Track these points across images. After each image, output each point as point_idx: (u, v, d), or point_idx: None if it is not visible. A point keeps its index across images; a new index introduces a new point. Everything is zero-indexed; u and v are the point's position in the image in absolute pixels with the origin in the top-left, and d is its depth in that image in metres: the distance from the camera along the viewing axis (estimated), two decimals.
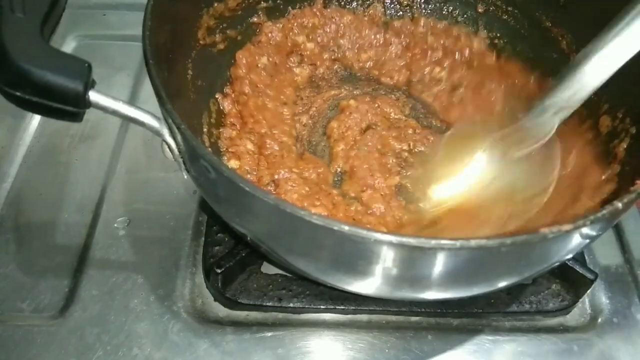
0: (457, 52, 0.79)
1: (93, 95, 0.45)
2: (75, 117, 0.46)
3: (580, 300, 0.66)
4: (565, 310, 0.65)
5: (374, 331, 0.63)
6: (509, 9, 0.79)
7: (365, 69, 0.82)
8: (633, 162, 0.57)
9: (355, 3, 0.83)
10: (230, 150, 0.69)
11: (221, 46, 0.71)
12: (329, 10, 0.81)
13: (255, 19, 0.75)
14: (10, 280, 0.65)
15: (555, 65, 0.73)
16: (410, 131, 0.74)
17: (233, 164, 0.67)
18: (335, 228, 0.40)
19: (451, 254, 0.42)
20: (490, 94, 0.75)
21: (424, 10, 0.84)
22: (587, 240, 0.48)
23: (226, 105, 0.71)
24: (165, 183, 0.75)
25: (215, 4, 0.68)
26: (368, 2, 0.83)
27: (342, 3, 0.83)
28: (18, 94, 0.43)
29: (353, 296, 0.63)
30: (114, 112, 0.47)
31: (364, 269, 0.47)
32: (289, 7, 0.79)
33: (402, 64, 0.82)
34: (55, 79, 0.43)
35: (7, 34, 0.44)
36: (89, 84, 0.45)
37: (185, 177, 0.53)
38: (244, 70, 0.73)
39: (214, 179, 0.46)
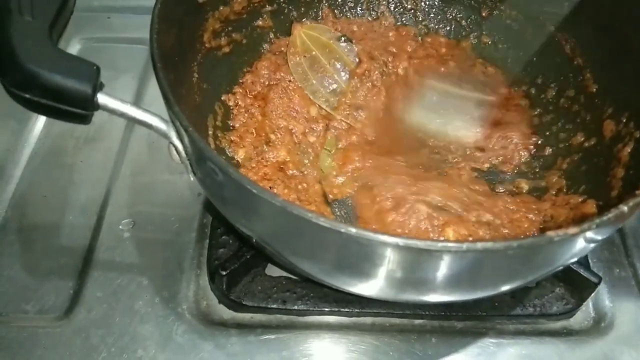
0: None
1: (101, 98, 0.45)
2: (84, 119, 0.46)
3: (584, 303, 0.66)
4: (569, 313, 0.65)
5: (378, 334, 0.63)
6: (513, 13, 0.79)
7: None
8: (637, 166, 0.58)
9: (359, 9, 0.84)
10: (235, 138, 0.70)
11: (226, 49, 0.71)
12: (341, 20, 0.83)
13: (260, 22, 0.76)
14: (15, 281, 0.66)
15: (558, 70, 0.74)
16: None
17: (241, 153, 0.69)
18: (342, 230, 0.40)
19: (457, 256, 0.42)
20: None
21: (427, 14, 0.84)
22: (592, 244, 0.48)
23: (239, 101, 0.73)
24: (169, 185, 0.75)
25: (221, 8, 0.68)
26: (375, 9, 0.84)
27: (348, 13, 0.83)
28: (27, 96, 0.44)
29: (357, 299, 0.63)
30: (122, 115, 0.47)
31: (369, 271, 0.47)
32: (294, 12, 0.79)
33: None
34: (64, 82, 0.43)
35: (16, 36, 0.44)
36: (98, 87, 0.45)
37: (192, 179, 0.53)
38: (265, 77, 0.75)
39: (221, 180, 0.46)
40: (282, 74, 0.76)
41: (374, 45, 0.79)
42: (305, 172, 0.69)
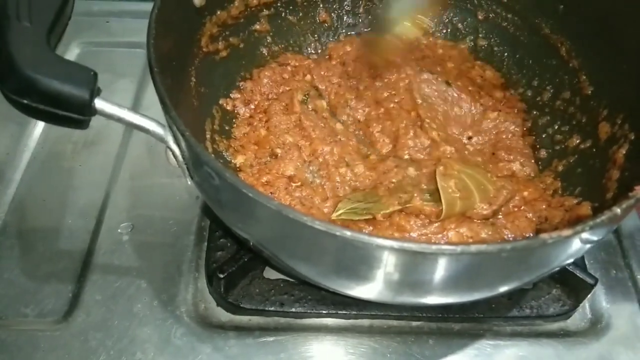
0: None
1: (99, 103, 0.46)
2: (81, 124, 0.46)
3: (581, 305, 0.66)
4: (565, 315, 0.65)
5: (376, 336, 0.64)
6: (509, 16, 0.79)
7: None
8: (632, 167, 0.58)
9: (357, 12, 0.84)
10: (235, 146, 0.70)
11: (224, 54, 0.72)
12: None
13: (258, 27, 0.76)
14: (15, 285, 0.66)
15: (554, 72, 0.74)
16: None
17: (240, 159, 0.69)
18: (338, 234, 0.41)
19: (452, 259, 0.43)
20: None
21: (424, 18, 0.85)
22: (587, 246, 0.48)
23: (237, 107, 0.73)
24: (168, 189, 0.75)
25: (218, 12, 0.68)
26: (372, 12, 0.84)
27: (345, 16, 0.84)
28: (25, 101, 0.44)
29: (355, 301, 0.63)
30: (119, 120, 0.47)
31: (366, 274, 0.48)
32: (291, 16, 0.79)
33: None
34: (62, 87, 0.44)
35: (14, 42, 0.45)
36: (95, 92, 0.45)
37: (189, 183, 0.54)
38: (266, 87, 0.75)
39: (217, 185, 0.46)
40: (286, 89, 0.75)
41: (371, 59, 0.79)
42: (314, 187, 0.67)
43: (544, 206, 0.65)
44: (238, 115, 0.73)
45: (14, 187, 0.75)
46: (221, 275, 0.62)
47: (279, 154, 0.69)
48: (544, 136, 0.73)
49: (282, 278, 0.66)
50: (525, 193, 0.66)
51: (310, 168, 0.69)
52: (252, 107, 0.74)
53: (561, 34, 0.73)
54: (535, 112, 0.76)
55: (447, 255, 0.42)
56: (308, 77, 0.78)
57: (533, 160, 0.71)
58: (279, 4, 0.77)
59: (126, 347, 0.62)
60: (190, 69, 0.65)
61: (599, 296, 0.68)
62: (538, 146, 0.73)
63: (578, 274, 0.64)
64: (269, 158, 0.69)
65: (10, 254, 0.69)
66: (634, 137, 0.59)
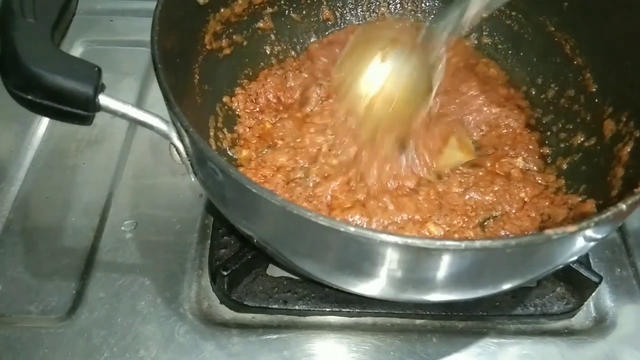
0: None
1: (103, 99, 0.46)
2: (85, 120, 0.46)
3: (585, 303, 0.65)
4: (570, 313, 0.65)
5: (379, 334, 0.64)
6: (513, 13, 0.79)
7: None
8: (637, 165, 0.58)
9: (360, 11, 0.84)
10: (240, 139, 0.71)
11: (227, 51, 0.72)
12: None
13: (261, 24, 0.76)
14: (18, 282, 0.66)
15: (558, 70, 0.74)
16: None
17: (245, 153, 0.69)
18: (342, 229, 0.40)
19: (455, 255, 0.43)
20: None
21: (428, 15, 0.85)
22: (592, 243, 0.48)
23: (241, 106, 0.73)
24: (171, 187, 0.75)
25: (222, 10, 0.68)
26: (375, 10, 0.85)
27: (348, 14, 0.84)
28: (29, 97, 0.44)
29: (358, 299, 0.63)
30: (123, 116, 0.47)
31: (369, 271, 0.47)
32: (295, 14, 0.79)
33: None
34: (66, 83, 0.44)
35: (18, 38, 0.45)
36: (99, 88, 0.45)
37: (193, 179, 0.54)
38: (271, 92, 0.75)
39: (221, 181, 0.46)
40: (289, 98, 0.75)
41: None
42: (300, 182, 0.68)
43: (547, 203, 0.65)
44: (242, 113, 0.73)
45: (18, 185, 0.75)
46: (224, 273, 0.62)
47: (279, 145, 0.70)
48: (548, 134, 0.73)
49: (285, 275, 0.66)
50: (522, 194, 0.66)
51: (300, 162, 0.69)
52: (257, 105, 0.74)
53: (565, 32, 0.72)
54: (539, 110, 0.75)
55: (451, 251, 0.41)
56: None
57: (537, 156, 0.71)
58: (282, 2, 0.77)
59: (129, 344, 0.62)
60: (194, 67, 0.65)
61: (604, 294, 0.68)
62: (542, 144, 0.73)
63: (582, 272, 0.63)
64: (266, 149, 0.70)
65: (13, 251, 0.69)
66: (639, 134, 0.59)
